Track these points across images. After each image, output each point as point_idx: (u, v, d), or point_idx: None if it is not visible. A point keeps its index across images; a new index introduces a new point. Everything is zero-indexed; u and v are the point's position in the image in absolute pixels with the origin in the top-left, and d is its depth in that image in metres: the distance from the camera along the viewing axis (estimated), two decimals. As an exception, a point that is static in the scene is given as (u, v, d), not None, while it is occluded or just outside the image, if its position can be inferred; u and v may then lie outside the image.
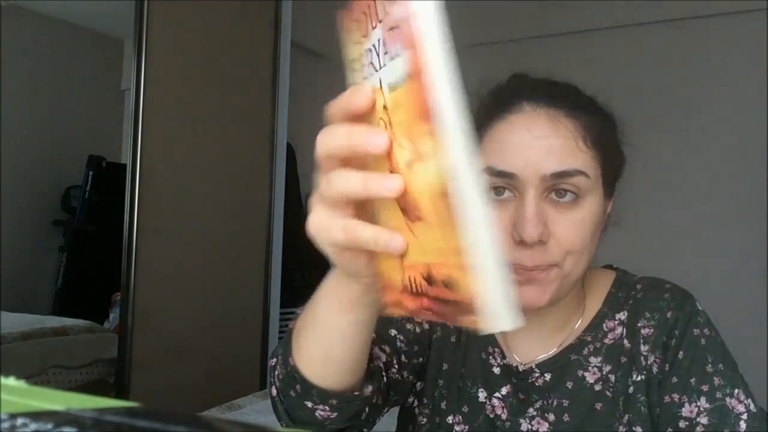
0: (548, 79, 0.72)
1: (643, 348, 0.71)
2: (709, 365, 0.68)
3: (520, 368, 0.75)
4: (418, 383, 0.80)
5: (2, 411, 0.18)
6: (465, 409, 0.75)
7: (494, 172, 0.64)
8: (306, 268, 3.45)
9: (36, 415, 0.18)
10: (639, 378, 0.70)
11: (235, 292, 2.41)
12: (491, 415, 0.74)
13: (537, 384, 0.73)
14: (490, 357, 0.77)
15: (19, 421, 0.17)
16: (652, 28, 3.00)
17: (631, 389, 0.70)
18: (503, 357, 0.76)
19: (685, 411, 0.66)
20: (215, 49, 2.32)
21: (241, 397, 1.70)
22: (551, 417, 0.72)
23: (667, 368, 0.69)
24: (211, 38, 2.31)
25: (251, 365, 2.50)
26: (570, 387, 0.72)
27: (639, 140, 3.02)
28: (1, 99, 1.95)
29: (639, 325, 0.72)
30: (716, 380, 0.67)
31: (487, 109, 0.69)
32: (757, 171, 2.75)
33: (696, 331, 0.70)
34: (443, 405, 0.77)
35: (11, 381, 0.20)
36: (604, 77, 3.36)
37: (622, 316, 0.74)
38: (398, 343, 0.75)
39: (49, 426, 0.17)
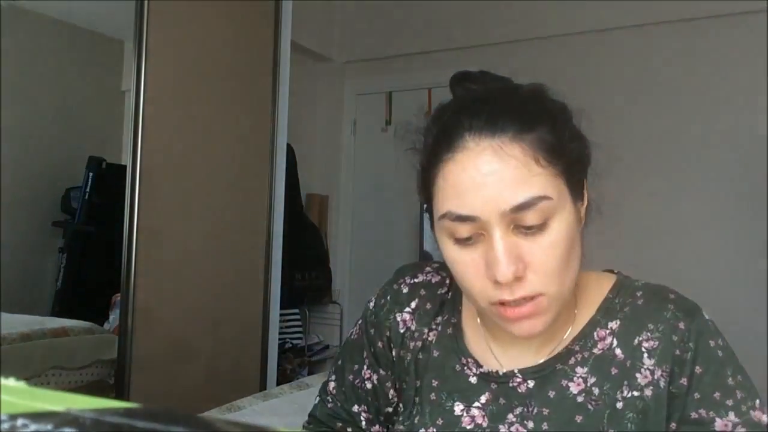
0: (489, 90, 0.69)
1: (648, 362, 0.68)
2: (730, 378, 0.67)
3: (500, 372, 0.73)
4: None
5: (2, 412, 0.18)
6: (439, 422, 0.74)
7: (455, 217, 0.63)
8: (306, 268, 3.46)
9: (36, 416, 0.17)
10: (631, 394, 0.68)
11: (235, 292, 2.41)
12: (469, 427, 0.72)
13: (519, 390, 0.72)
14: (465, 368, 0.75)
15: (19, 422, 0.17)
16: (651, 29, 3.00)
17: (619, 404, 0.68)
18: (479, 366, 0.74)
19: (719, 426, 0.65)
20: (215, 49, 2.32)
21: (241, 397, 1.69)
22: (530, 424, 0.70)
23: (683, 382, 0.67)
24: (211, 38, 2.31)
25: (251, 365, 2.50)
26: (552, 396, 0.70)
27: (638, 140, 3.05)
28: (1, 99, 1.95)
29: (641, 338, 0.69)
30: (738, 393, 0.66)
31: (434, 143, 0.67)
32: (757, 171, 2.76)
33: (711, 343, 0.68)
34: (416, 420, 0.76)
35: (11, 382, 0.20)
36: (603, 77, 3.36)
37: (614, 324, 0.71)
38: (363, 416, 0.83)
39: (49, 427, 0.17)
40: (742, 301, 2.73)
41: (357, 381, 0.83)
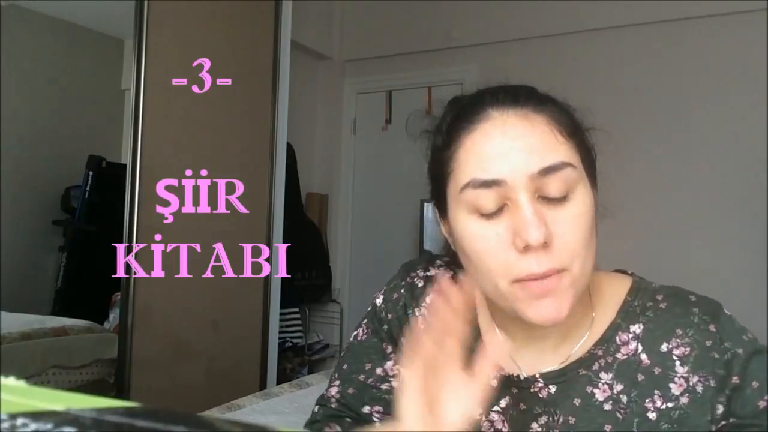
0: (502, 84, 0.70)
1: (681, 369, 0.66)
2: None
3: (522, 376, 0.71)
4: None
5: (2, 411, 0.18)
6: None
7: (480, 183, 0.61)
8: (306, 267, 3.46)
9: (36, 415, 0.18)
10: (665, 405, 0.65)
11: (235, 291, 2.41)
12: (489, 431, 0.70)
13: (540, 395, 0.69)
14: None
15: (19, 421, 0.17)
16: (652, 28, 3.00)
17: (652, 414, 0.65)
18: (499, 368, 0.71)
19: None
20: (215, 49, 2.32)
21: (241, 397, 1.69)
22: None
23: (736, 380, 0.65)
24: (211, 38, 2.31)
25: (251, 365, 2.50)
26: (577, 404, 0.68)
27: (639, 139, 3.05)
28: (2, 99, 1.95)
29: (670, 345, 0.67)
30: None
31: (452, 121, 0.66)
32: (757, 170, 2.76)
33: (745, 337, 0.66)
34: None
35: (11, 381, 0.20)
36: (603, 77, 3.36)
37: (638, 329, 0.69)
38: (377, 416, 0.78)
39: (49, 426, 0.17)
40: (742, 302, 2.72)
41: (371, 380, 0.78)
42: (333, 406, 0.80)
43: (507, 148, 0.61)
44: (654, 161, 2.97)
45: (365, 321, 0.82)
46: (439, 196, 0.69)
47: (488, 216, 0.62)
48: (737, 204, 2.81)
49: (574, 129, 0.65)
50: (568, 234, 0.61)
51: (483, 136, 0.63)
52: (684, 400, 0.65)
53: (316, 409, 0.82)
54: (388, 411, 0.77)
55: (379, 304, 0.81)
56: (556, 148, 0.62)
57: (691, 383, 0.65)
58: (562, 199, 0.61)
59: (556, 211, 0.61)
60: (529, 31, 3.27)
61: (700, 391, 0.65)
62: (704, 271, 2.79)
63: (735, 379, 0.65)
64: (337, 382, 0.81)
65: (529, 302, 0.62)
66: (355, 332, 0.83)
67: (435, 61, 3.53)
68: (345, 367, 0.81)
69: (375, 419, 0.77)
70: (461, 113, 0.66)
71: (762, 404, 0.63)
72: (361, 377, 0.79)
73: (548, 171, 0.60)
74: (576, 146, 0.64)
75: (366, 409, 0.78)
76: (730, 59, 2.85)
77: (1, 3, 1.96)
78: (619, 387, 0.67)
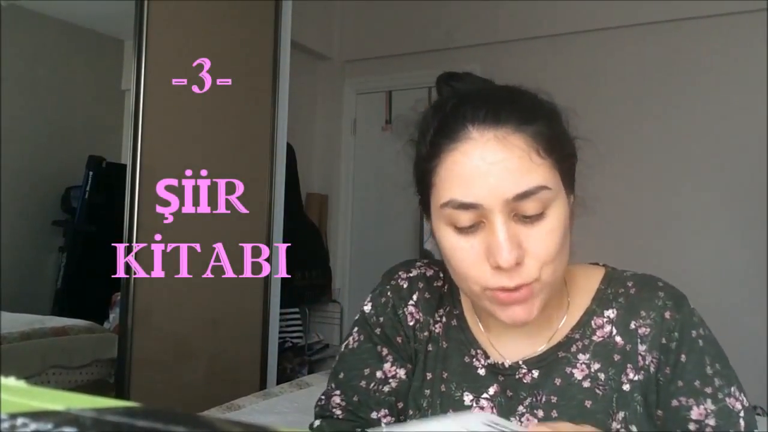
0: (485, 86, 0.72)
1: (641, 347, 0.72)
2: (708, 366, 0.69)
3: (506, 364, 0.75)
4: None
5: (2, 411, 0.18)
6: (449, 413, 0.75)
7: (458, 205, 0.65)
8: (306, 267, 3.46)
9: (36, 415, 0.18)
10: (636, 377, 0.71)
11: (235, 290, 2.41)
12: None
13: (525, 381, 0.74)
14: (474, 359, 0.77)
15: (19, 421, 0.17)
16: (651, 29, 3.00)
17: (626, 387, 0.71)
18: (487, 357, 0.77)
19: (694, 414, 0.68)
20: (215, 49, 2.32)
21: (241, 397, 1.69)
22: (540, 413, 0.72)
23: (668, 371, 0.70)
24: (211, 38, 2.31)
25: (251, 365, 2.50)
26: (558, 383, 0.72)
27: (639, 139, 3.05)
28: (1, 99, 1.95)
29: (635, 324, 0.73)
30: (716, 381, 0.69)
31: (435, 133, 0.69)
32: (757, 170, 2.76)
33: (694, 333, 0.71)
34: (429, 413, 0.77)
35: (11, 381, 0.20)
36: (604, 77, 3.36)
37: (612, 313, 0.74)
38: (384, 421, 0.79)
39: (49, 426, 0.17)
40: (741, 301, 2.73)
41: (373, 385, 0.80)
42: (339, 416, 0.80)
43: (484, 172, 0.64)
44: (654, 161, 2.97)
45: (355, 329, 0.85)
46: (423, 199, 0.73)
47: (464, 230, 0.66)
48: (738, 204, 2.81)
49: (554, 144, 0.67)
50: (542, 248, 0.65)
51: (463, 156, 0.65)
52: (640, 376, 0.71)
53: (317, 423, 0.82)
54: (393, 414, 0.79)
55: (368, 311, 0.84)
56: (533, 171, 0.64)
57: (646, 362, 0.71)
58: (537, 216, 0.65)
59: (530, 227, 0.65)
60: (529, 31, 3.27)
61: (651, 372, 0.71)
62: (704, 271, 2.79)
63: (668, 370, 0.70)
64: (337, 392, 0.82)
65: (500, 307, 0.67)
66: (346, 342, 0.85)
67: (435, 61, 3.53)
68: (341, 375, 0.82)
69: (384, 424, 0.79)
70: (444, 126, 0.68)
71: (674, 403, 0.69)
72: (363, 383, 0.80)
73: (523, 196, 0.63)
74: (554, 162, 0.66)
75: (374, 414, 0.79)
76: (730, 59, 2.85)
77: (1, 3, 1.96)
78: (596, 366, 0.72)
